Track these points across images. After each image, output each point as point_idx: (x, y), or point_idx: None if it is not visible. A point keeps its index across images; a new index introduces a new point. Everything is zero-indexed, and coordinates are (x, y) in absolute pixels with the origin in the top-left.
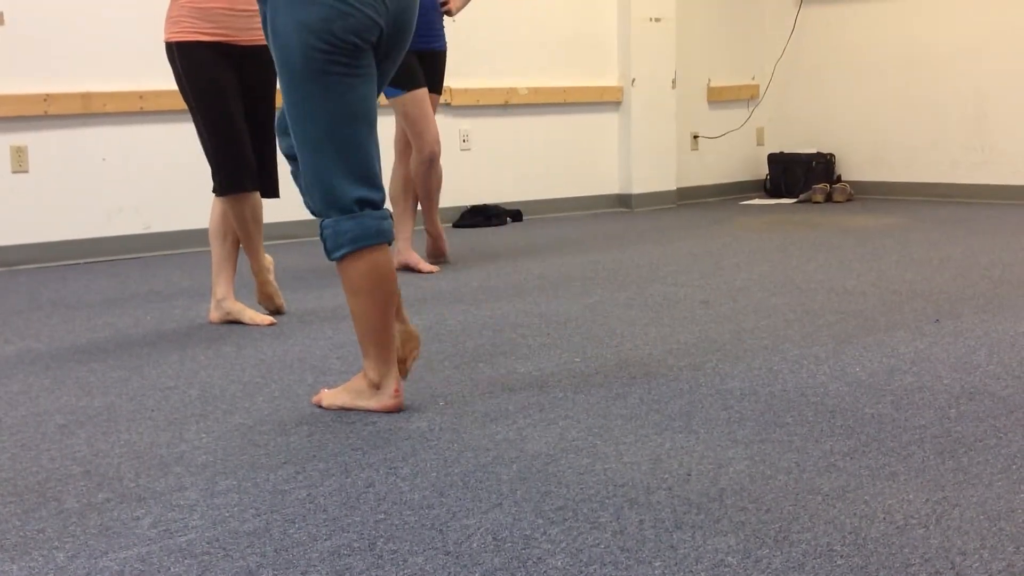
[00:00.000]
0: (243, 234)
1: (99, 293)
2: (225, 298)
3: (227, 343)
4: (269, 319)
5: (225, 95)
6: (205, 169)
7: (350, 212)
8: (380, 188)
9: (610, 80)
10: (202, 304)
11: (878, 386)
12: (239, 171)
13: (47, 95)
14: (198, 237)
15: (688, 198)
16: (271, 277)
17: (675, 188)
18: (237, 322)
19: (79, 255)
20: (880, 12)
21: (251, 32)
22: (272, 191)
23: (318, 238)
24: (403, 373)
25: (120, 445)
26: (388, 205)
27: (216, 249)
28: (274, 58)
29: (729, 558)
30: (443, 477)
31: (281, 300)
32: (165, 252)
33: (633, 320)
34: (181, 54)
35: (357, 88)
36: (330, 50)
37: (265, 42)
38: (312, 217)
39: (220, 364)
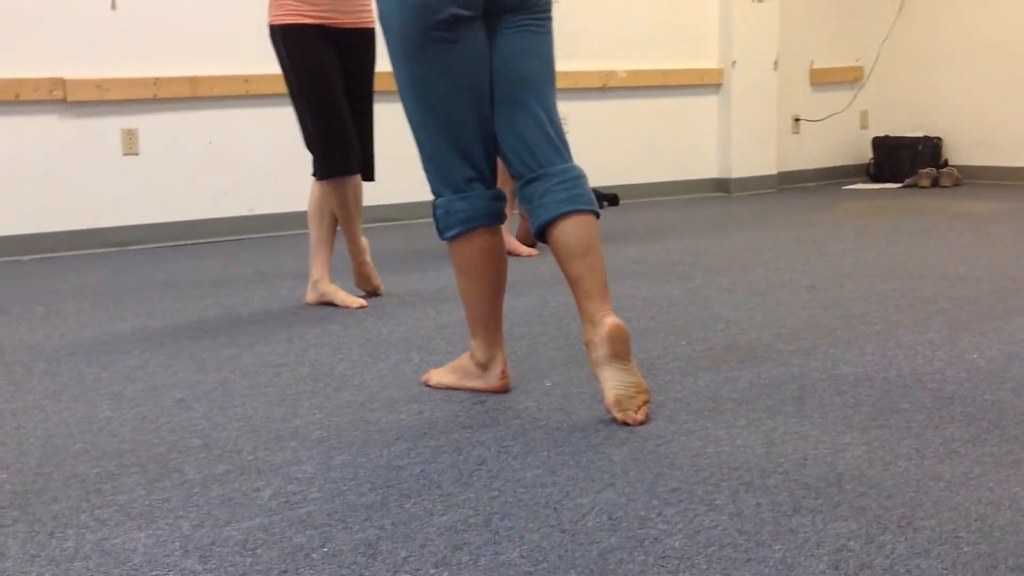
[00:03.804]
0: (343, 216)
1: (206, 273)
2: (320, 280)
3: (333, 323)
4: (361, 301)
5: (329, 78)
6: (306, 153)
7: (462, 192)
8: (489, 166)
9: (710, 62)
10: (306, 285)
11: (997, 373)
12: (343, 154)
13: (156, 79)
14: (299, 219)
15: (788, 183)
16: (367, 259)
17: (775, 172)
18: (331, 304)
19: (186, 236)
20: None
21: (353, 15)
22: (369, 174)
23: (413, 221)
24: (632, 421)
25: (236, 419)
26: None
27: (314, 231)
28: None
29: (851, 543)
30: (554, 456)
31: (378, 281)
32: (268, 234)
33: (738, 304)
34: (285, 36)
35: (461, 61)
36: (428, 25)
37: (366, 25)
38: (406, 200)
39: (327, 343)
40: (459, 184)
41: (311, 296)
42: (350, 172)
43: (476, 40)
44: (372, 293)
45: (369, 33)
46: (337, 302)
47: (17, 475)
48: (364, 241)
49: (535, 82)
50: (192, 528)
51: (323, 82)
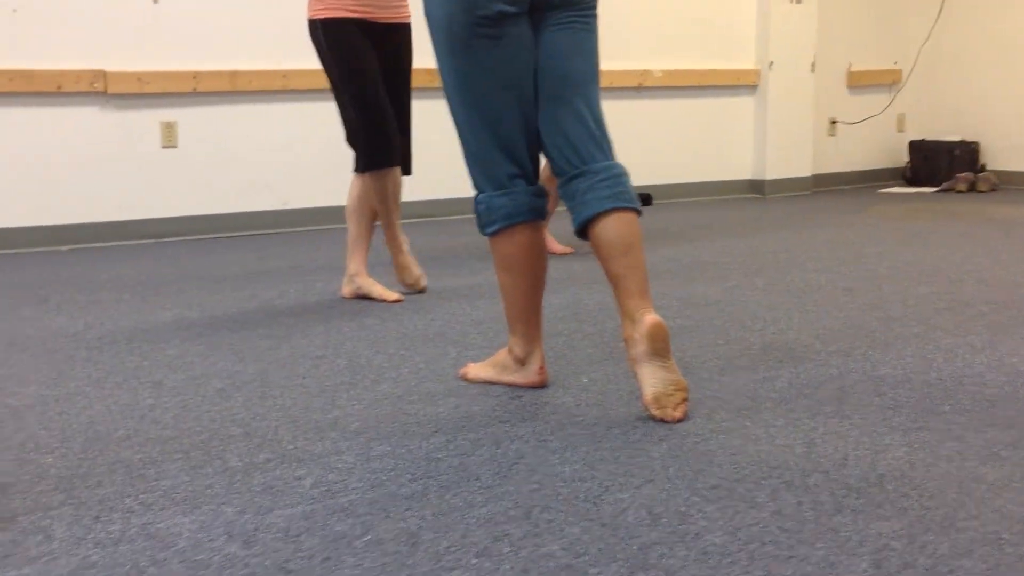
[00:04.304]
0: (383, 209)
1: (242, 266)
2: (358, 273)
3: (369, 316)
4: (397, 295)
5: (370, 71)
6: (341, 148)
7: (504, 188)
8: (532, 162)
9: (747, 63)
10: (341, 279)
11: None
12: (385, 146)
13: (196, 72)
14: (332, 215)
15: (823, 185)
16: (406, 249)
17: (811, 175)
18: (367, 297)
19: (222, 229)
20: None
21: (391, 9)
22: (407, 168)
23: (449, 217)
24: (670, 418)
25: (276, 409)
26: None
27: (353, 227)
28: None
29: (893, 543)
30: (593, 452)
31: (419, 271)
32: (302, 228)
33: (774, 305)
34: (326, 31)
35: (506, 57)
36: (474, 21)
37: (403, 20)
38: (442, 197)
39: (364, 336)
40: (501, 180)
41: (347, 289)
42: (391, 164)
43: (521, 36)
44: (413, 286)
45: (406, 28)
46: (374, 295)
47: (62, 459)
48: (404, 238)
49: (579, 79)
50: (235, 514)
51: (364, 75)
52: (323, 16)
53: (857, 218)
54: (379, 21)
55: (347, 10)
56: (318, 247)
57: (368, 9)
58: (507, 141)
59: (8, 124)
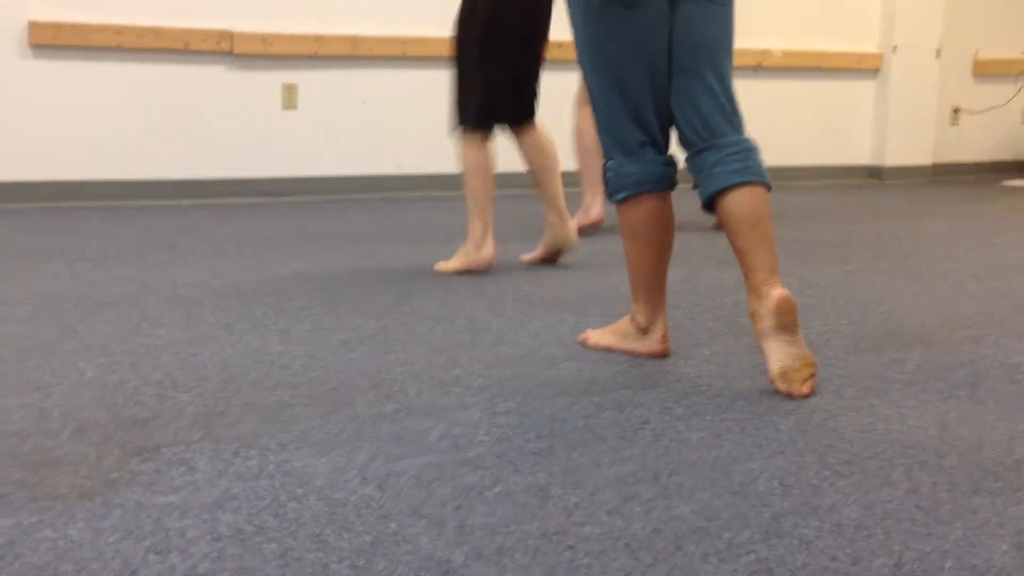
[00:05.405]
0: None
1: (357, 227)
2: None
3: (487, 281)
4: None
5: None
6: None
7: (634, 155)
8: (662, 131)
9: (870, 46)
10: (455, 244)
11: None
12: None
13: (318, 36)
14: (445, 181)
15: (942, 174)
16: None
17: (930, 163)
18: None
19: (337, 191)
20: None
21: None
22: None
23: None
24: (797, 393)
25: (399, 364)
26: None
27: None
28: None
29: None
30: (718, 421)
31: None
32: (414, 193)
33: (899, 289)
34: None
35: (639, 25)
36: None
37: None
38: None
39: (482, 299)
40: (631, 147)
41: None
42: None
43: (657, 6)
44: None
45: None
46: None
47: (199, 398)
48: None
49: (712, 50)
50: (367, 460)
51: (501, 37)
52: None
53: (981, 208)
54: None
55: None
56: (431, 212)
57: None
58: (637, 108)
59: (137, 79)
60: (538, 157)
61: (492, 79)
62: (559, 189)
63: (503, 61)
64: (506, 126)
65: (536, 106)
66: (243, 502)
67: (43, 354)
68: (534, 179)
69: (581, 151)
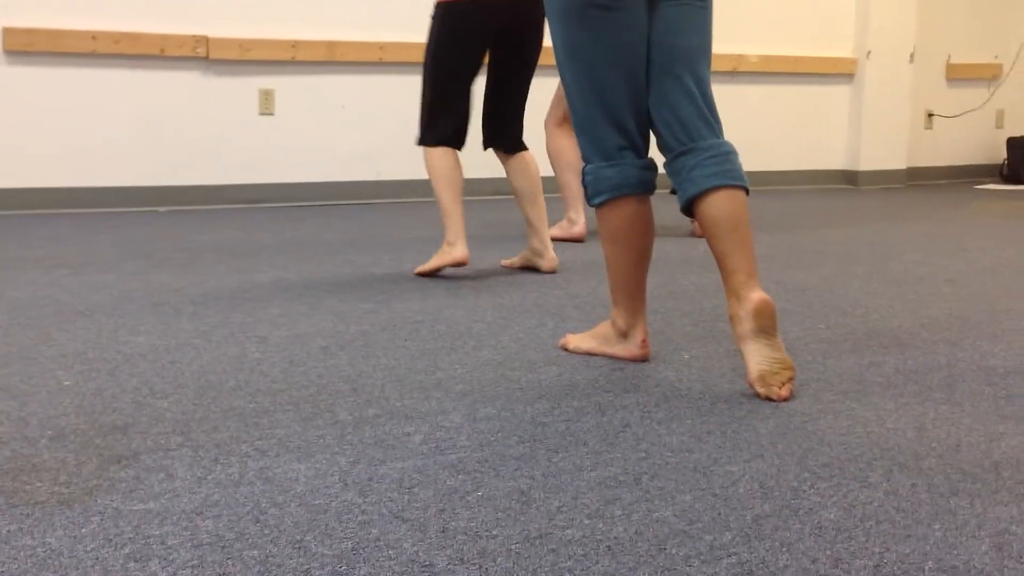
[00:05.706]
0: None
1: (336, 234)
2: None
3: (464, 287)
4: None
5: (465, 62)
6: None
7: (612, 159)
8: (641, 135)
9: (844, 51)
10: (434, 249)
11: None
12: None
13: (295, 41)
14: (423, 187)
15: (917, 178)
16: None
17: (904, 167)
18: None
19: (314, 197)
20: None
21: None
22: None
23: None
24: (776, 397)
25: (380, 368)
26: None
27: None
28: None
29: (1013, 527)
30: (699, 425)
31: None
32: (392, 200)
33: (875, 293)
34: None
35: (618, 29)
36: None
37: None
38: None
39: (461, 305)
40: (610, 152)
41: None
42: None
43: (636, 10)
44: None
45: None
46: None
47: (177, 404)
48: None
49: (690, 55)
50: (349, 464)
51: (454, 65)
52: None
53: (955, 212)
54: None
55: None
56: (409, 218)
57: None
58: (616, 113)
59: (112, 85)
60: (522, 182)
61: (439, 99)
62: (542, 214)
63: (452, 83)
64: (494, 148)
65: (520, 133)
66: (223, 509)
67: (20, 361)
68: (518, 202)
69: (561, 169)
